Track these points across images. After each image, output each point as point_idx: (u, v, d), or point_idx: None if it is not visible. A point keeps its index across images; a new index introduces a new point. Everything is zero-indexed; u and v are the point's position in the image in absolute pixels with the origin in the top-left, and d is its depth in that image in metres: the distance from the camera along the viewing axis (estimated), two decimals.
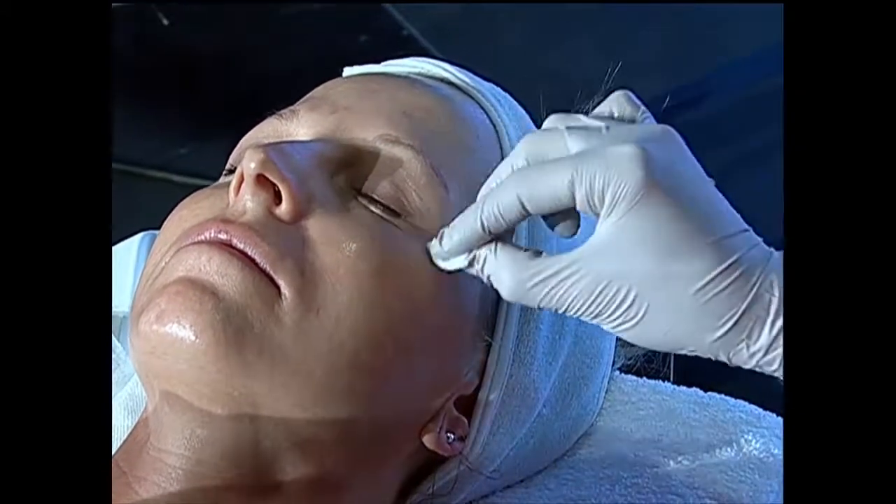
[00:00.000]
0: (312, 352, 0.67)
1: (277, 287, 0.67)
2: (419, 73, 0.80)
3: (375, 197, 0.71)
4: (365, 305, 0.68)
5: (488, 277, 0.66)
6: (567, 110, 0.68)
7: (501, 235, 0.66)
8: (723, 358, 0.63)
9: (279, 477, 0.69)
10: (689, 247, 0.61)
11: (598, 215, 0.62)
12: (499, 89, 0.81)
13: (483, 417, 0.74)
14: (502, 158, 0.75)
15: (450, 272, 0.68)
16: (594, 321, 0.64)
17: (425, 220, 0.71)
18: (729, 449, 0.82)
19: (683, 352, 0.63)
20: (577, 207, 0.63)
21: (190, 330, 0.66)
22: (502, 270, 0.65)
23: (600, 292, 0.62)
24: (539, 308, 0.65)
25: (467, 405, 0.74)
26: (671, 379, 0.87)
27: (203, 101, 2.06)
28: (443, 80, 0.80)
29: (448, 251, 0.67)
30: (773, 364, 0.62)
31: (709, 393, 0.86)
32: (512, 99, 0.81)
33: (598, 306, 0.63)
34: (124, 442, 0.73)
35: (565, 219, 0.66)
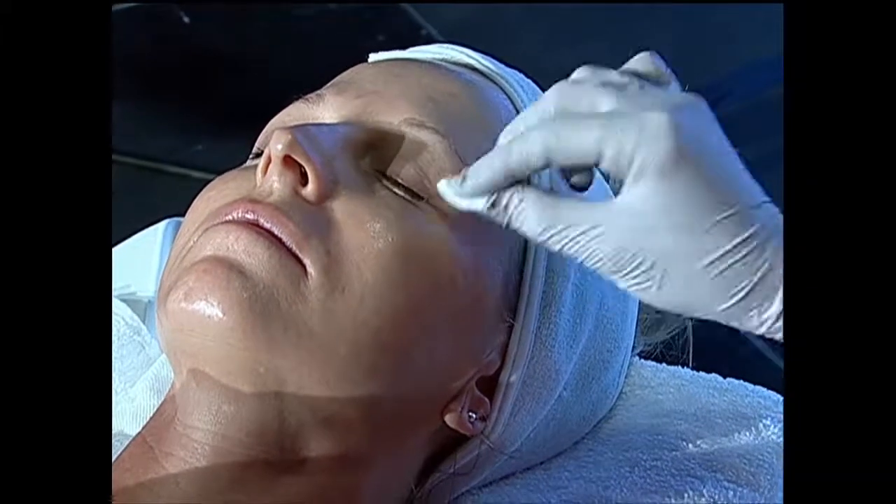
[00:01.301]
0: (337, 330, 0.68)
1: (303, 266, 0.68)
2: (444, 60, 0.81)
3: (399, 180, 0.72)
4: (388, 285, 0.69)
5: (510, 219, 0.65)
6: None
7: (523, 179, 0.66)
8: (734, 324, 0.63)
9: (303, 453, 0.70)
10: (709, 218, 0.61)
11: (623, 178, 0.63)
12: (521, 76, 0.82)
13: (504, 398, 0.75)
14: None
15: (465, 210, 0.67)
16: (610, 277, 0.64)
17: (448, 203, 0.72)
18: (748, 433, 0.82)
19: (696, 315, 0.64)
20: (604, 168, 0.63)
21: (217, 307, 0.67)
22: (529, 213, 0.64)
23: (619, 252, 0.63)
24: (557, 252, 0.64)
25: (489, 386, 0.75)
26: (691, 365, 0.88)
27: (221, 99, 2.07)
28: (467, 66, 0.80)
29: (470, 191, 0.66)
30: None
31: (728, 379, 0.87)
32: (535, 85, 0.82)
33: (617, 265, 0.63)
34: (151, 418, 0.74)
35: (581, 170, 0.66)
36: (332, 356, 0.68)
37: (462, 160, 0.72)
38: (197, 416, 0.70)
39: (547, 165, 0.64)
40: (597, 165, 0.63)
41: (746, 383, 0.86)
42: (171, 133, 1.99)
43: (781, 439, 0.81)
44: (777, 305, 0.62)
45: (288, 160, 0.70)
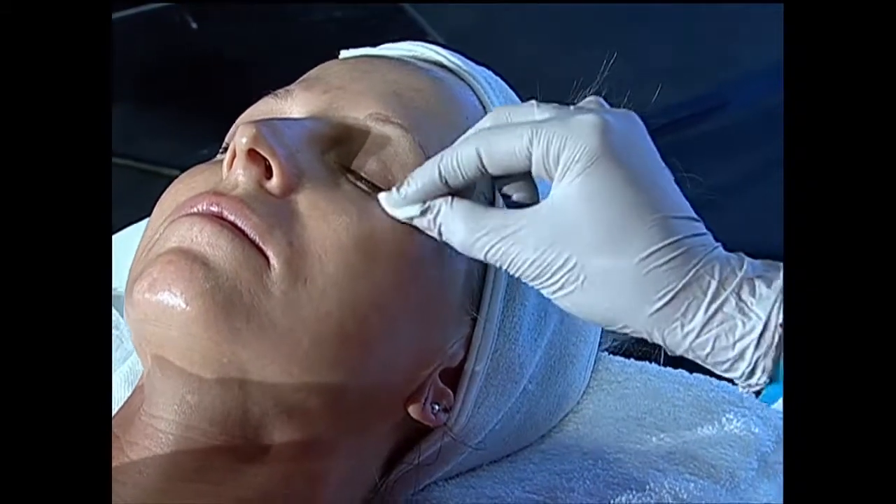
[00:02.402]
0: (299, 321, 0.69)
1: (266, 258, 0.69)
2: (413, 56, 0.82)
3: (363, 174, 0.73)
4: (350, 277, 0.69)
5: (440, 228, 0.68)
6: None
7: (461, 191, 0.68)
8: (657, 337, 0.64)
9: (266, 442, 0.71)
10: (634, 218, 0.62)
11: (552, 179, 0.64)
12: (490, 73, 0.82)
13: (468, 389, 0.76)
14: None
15: (400, 221, 0.69)
16: (533, 283, 0.65)
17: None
18: (710, 427, 0.83)
19: (617, 328, 0.64)
20: (533, 169, 0.64)
21: (181, 298, 0.68)
22: (456, 221, 0.67)
23: (542, 253, 0.64)
24: (485, 261, 0.66)
25: (453, 378, 0.76)
26: (661, 362, 0.89)
27: (226, 104, 2.08)
28: (436, 62, 0.81)
29: (403, 199, 0.69)
30: (706, 347, 0.63)
31: (694, 374, 0.88)
32: (504, 83, 0.82)
33: (538, 267, 0.64)
34: (120, 409, 0.75)
35: (522, 188, 0.68)
36: (295, 347, 0.69)
37: (426, 154, 0.73)
38: (161, 406, 0.70)
39: (480, 172, 0.66)
40: (528, 173, 0.64)
41: (712, 378, 0.87)
42: (176, 137, 2.01)
43: (743, 432, 0.82)
44: (700, 317, 0.62)
45: (252, 154, 0.71)
